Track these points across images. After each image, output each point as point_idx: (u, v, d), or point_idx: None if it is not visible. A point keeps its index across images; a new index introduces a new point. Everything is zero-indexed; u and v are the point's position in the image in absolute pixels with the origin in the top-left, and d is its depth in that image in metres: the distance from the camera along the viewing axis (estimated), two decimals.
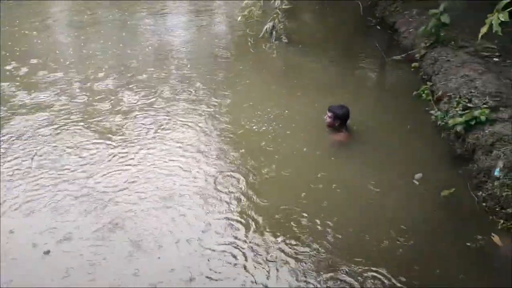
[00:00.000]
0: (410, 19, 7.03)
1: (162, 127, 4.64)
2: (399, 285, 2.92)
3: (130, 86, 5.49)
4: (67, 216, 3.42)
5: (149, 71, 5.91)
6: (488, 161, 3.76)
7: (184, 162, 4.08)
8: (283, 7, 6.75)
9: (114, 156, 4.14)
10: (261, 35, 6.87)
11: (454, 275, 3.01)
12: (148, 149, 4.27)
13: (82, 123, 4.66)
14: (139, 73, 5.84)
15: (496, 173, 3.60)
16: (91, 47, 6.70)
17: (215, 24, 8.02)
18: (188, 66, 6.12)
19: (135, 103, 5.09)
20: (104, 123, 4.68)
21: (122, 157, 4.14)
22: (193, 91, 5.38)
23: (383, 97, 5.63)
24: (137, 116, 4.84)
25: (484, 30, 3.17)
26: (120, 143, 4.35)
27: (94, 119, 4.73)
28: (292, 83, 5.63)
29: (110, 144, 4.32)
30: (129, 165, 4.03)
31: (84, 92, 5.32)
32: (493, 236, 3.25)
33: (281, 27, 6.83)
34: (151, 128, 4.61)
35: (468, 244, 3.22)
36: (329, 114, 4.48)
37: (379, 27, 7.52)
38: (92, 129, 4.56)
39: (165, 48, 6.78)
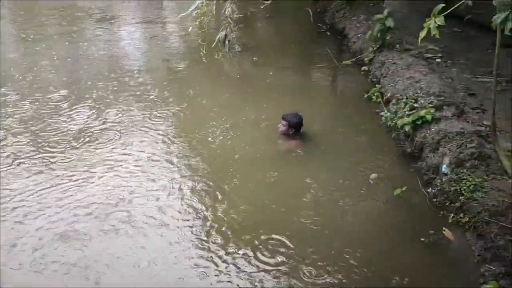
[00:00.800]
0: (357, 25, 7.27)
1: (116, 140, 4.52)
2: (354, 284, 2.96)
3: (81, 100, 5.30)
4: None
5: (100, 84, 5.73)
6: (436, 158, 3.93)
7: (139, 173, 4.02)
8: (235, 16, 6.78)
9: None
10: (214, 45, 6.85)
11: (410, 270, 3.09)
12: (104, 161, 4.17)
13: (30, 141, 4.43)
14: (90, 86, 5.66)
15: (444, 169, 3.77)
16: (39, 61, 6.42)
17: (167, 34, 7.92)
18: (140, 77, 6.00)
19: (86, 118, 4.93)
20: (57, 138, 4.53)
21: (69, 176, 3.99)
22: (147, 103, 5.28)
23: (336, 101, 5.77)
24: (91, 128, 4.69)
25: (423, 34, 3.31)
26: (71, 158, 4.22)
27: (46, 135, 4.56)
28: (246, 91, 5.66)
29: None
30: (79, 183, 3.88)
31: (33, 108, 5.08)
32: (445, 230, 3.38)
33: (234, 36, 6.85)
34: (106, 141, 4.49)
35: (422, 239, 3.33)
36: (283, 122, 4.53)
37: (329, 33, 7.72)
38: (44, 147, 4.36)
39: (116, 60, 6.62)
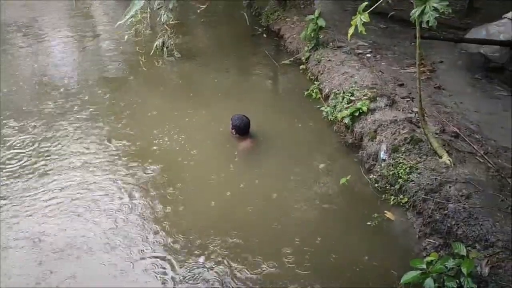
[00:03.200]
0: (292, 25, 7.53)
1: (57, 157, 4.32)
2: (303, 271, 3.10)
3: (14, 119, 5.00)
4: None
5: (33, 102, 5.44)
6: (374, 146, 4.20)
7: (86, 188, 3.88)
8: (171, 22, 6.73)
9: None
10: (152, 52, 6.75)
11: (358, 252, 3.30)
12: (50, 181, 3.95)
13: None
14: (22, 104, 5.35)
15: (382, 155, 4.04)
16: None
17: (101, 45, 7.66)
18: (78, 91, 5.76)
19: (22, 136, 4.67)
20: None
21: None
22: (87, 117, 5.10)
23: (278, 100, 5.93)
24: (30, 145, 4.44)
25: (351, 31, 3.53)
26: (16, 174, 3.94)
27: None
28: (190, 97, 5.65)
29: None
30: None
31: None
32: (386, 213, 3.63)
33: (172, 42, 6.79)
34: (49, 159, 4.30)
35: (368, 223, 3.55)
36: (231, 123, 4.61)
37: (265, 35, 7.91)
38: None
39: (49, 75, 6.30)
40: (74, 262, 3.19)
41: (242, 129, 4.61)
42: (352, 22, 3.51)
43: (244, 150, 4.56)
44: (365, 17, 3.36)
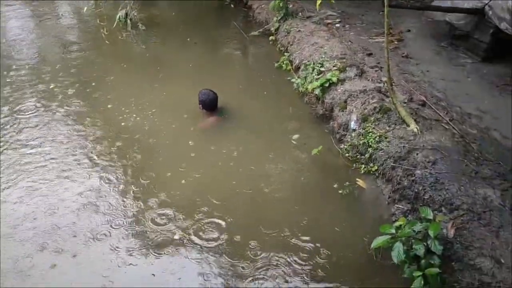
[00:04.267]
0: None
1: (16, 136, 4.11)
2: (277, 238, 3.16)
3: None
4: None
5: None
6: (345, 117, 4.23)
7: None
8: None
9: None
10: (115, 25, 6.45)
11: (331, 219, 3.37)
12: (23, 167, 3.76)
13: None
14: None
15: (352, 125, 4.08)
16: None
17: (60, 17, 7.24)
18: (36, 66, 5.46)
19: None
20: None
21: None
22: (48, 93, 4.85)
23: (248, 72, 5.84)
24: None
25: (319, 0, 3.48)
26: None
27: None
28: (158, 71, 5.47)
29: None
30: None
31: None
32: (358, 181, 3.70)
33: (135, 14, 6.51)
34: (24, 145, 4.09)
35: (340, 191, 3.62)
36: (199, 100, 4.51)
37: (233, 6, 7.70)
38: None
39: (6, 51, 5.92)
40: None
41: (209, 105, 4.52)
42: None
43: (206, 126, 4.48)
44: None
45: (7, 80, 5.17)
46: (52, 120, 4.49)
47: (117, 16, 6.42)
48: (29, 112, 4.58)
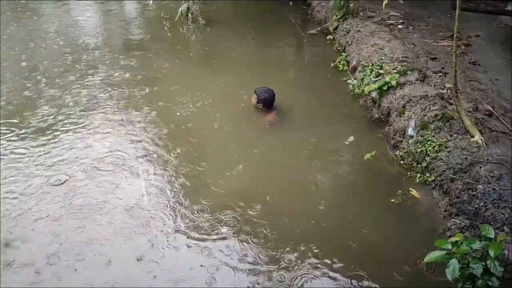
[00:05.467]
0: None
1: (86, 124, 4.37)
2: (326, 245, 3.09)
3: (42, 80, 5.06)
4: None
5: (59, 65, 5.46)
6: (402, 122, 4.06)
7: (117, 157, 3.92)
8: None
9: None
10: (176, 18, 6.64)
11: (381, 229, 3.25)
12: (74, 148, 4.01)
13: None
14: (49, 67, 5.39)
15: (410, 132, 3.91)
16: None
17: (125, 9, 7.58)
18: (101, 56, 5.76)
19: (53, 95, 4.74)
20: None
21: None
22: (113, 84, 5.10)
23: (304, 71, 5.78)
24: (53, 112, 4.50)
25: (386, 0, 3.36)
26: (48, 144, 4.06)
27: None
28: (215, 64, 5.59)
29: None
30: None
31: None
32: (412, 190, 3.55)
33: (197, 8, 6.66)
34: (77, 127, 4.33)
35: (392, 200, 3.48)
36: (255, 96, 4.53)
37: (292, 3, 7.65)
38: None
39: (74, 37, 6.30)
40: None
41: (269, 102, 4.52)
42: None
43: (269, 123, 4.49)
44: None
45: (68, 64, 5.48)
46: (110, 105, 4.70)
47: (179, 10, 6.60)
48: (88, 99, 4.82)
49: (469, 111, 3.84)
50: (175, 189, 3.57)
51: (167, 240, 3.10)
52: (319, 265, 2.95)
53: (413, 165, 3.74)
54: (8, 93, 4.86)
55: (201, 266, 2.92)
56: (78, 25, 6.77)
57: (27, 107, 4.64)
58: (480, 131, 3.52)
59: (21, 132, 4.25)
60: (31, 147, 4.04)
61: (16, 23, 6.79)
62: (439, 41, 5.50)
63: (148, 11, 7.24)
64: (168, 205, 3.41)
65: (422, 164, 3.64)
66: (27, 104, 4.69)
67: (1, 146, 4.02)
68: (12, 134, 4.21)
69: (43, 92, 4.92)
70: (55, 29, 6.55)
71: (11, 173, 3.70)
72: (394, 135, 4.11)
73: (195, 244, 3.08)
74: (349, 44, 5.62)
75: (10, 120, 4.41)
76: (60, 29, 6.58)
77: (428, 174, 3.56)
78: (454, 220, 3.17)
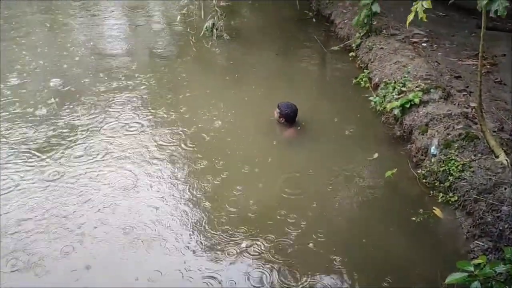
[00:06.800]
0: (344, 11, 7.31)
1: (111, 136, 4.50)
2: (347, 263, 3.06)
3: (68, 94, 5.23)
4: None
5: (88, 76, 5.66)
6: (425, 140, 4.03)
7: (142, 172, 3.98)
8: (222, 4, 6.75)
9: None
10: (202, 33, 6.81)
11: (402, 248, 3.21)
12: (107, 166, 4.09)
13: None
14: (77, 80, 5.59)
15: (433, 150, 3.87)
16: (17, 51, 6.31)
17: (153, 24, 7.82)
18: (130, 67, 5.94)
19: (75, 115, 4.89)
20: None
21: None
22: (138, 95, 5.25)
23: (325, 87, 5.82)
24: (90, 121, 4.67)
25: (410, 17, 3.39)
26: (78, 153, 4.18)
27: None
28: (238, 79, 5.67)
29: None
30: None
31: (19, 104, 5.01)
32: (435, 210, 3.49)
33: (222, 24, 6.82)
34: (99, 140, 4.44)
35: (413, 218, 3.44)
36: (277, 110, 4.58)
37: (315, 20, 7.74)
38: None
39: (101, 51, 6.53)
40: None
41: (292, 117, 4.56)
42: (412, 8, 3.36)
43: (290, 135, 4.53)
44: (427, 4, 3.20)
45: (100, 76, 5.68)
46: (138, 112, 4.84)
47: (205, 26, 6.77)
48: (115, 107, 4.97)
49: (494, 131, 3.79)
50: (195, 202, 3.62)
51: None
52: (338, 282, 2.93)
53: (436, 184, 3.69)
54: (38, 98, 5.05)
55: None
56: (105, 38, 7.02)
57: (58, 113, 4.81)
58: (505, 151, 3.46)
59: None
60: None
61: (45, 35, 7.09)
62: (464, 59, 5.46)
63: (174, 26, 7.45)
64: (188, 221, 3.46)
65: (445, 183, 3.59)
66: (58, 109, 4.87)
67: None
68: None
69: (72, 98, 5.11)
70: (83, 40, 6.80)
71: None
72: (416, 153, 4.08)
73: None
74: (372, 61, 5.63)
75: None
76: (88, 40, 6.83)
77: (451, 194, 3.51)
78: (477, 241, 3.11)
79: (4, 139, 4.36)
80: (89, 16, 7.88)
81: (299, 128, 4.60)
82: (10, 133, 4.47)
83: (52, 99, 5.09)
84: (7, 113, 4.81)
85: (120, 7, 8.38)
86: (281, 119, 4.57)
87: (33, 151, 4.19)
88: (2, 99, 5.06)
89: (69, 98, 5.14)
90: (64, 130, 4.53)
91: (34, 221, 3.39)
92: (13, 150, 4.20)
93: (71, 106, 4.97)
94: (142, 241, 3.22)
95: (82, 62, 6.12)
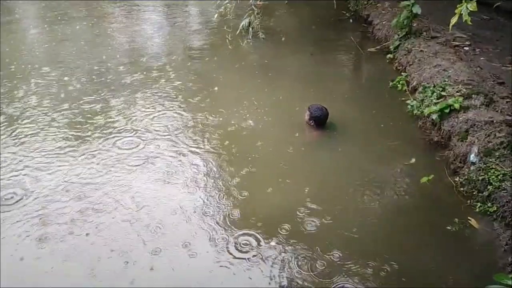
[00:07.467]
0: (383, 11, 7.18)
1: (145, 131, 4.62)
2: (381, 272, 3.00)
3: (104, 89, 5.41)
4: None
5: (124, 72, 5.84)
6: (464, 147, 3.90)
7: (172, 168, 4.05)
8: (259, 3, 6.78)
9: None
10: (237, 32, 6.87)
11: (436, 257, 3.12)
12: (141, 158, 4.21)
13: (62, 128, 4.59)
14: (114, 76, 5.77)
15: (472, 158, 3.74)
16: (60, 48, 6.58)
17: (190, 21, 7.97)
18: (165, 65, 6.08)
19: (114, 105, 5.04)
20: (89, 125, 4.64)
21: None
22: (173, 91, 5.36)
23: (360, 89, 5.73)
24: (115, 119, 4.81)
25: (454, 20, 3.29)
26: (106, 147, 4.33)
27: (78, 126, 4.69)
28: (272, 78, 5.68)
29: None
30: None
31: (60, 96, 5.23)
32: (470, 220, 3.38)
33: (258, 23, 6.85)
34: (138, 138, 4.51)
35: (448, 227, 3.34)
36: (308, 113, 4.56)
37: (352, 20, 7.64)
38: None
39: (140, 47, 6.71)
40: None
41: (322, 121, 4.51)
42: (456, 11, 3.27)
43: (313, 138, 4.49)
44: (472, 6, 3.10)
45: (134, 70, 5.84)
46: (169, 110, 4.94)
47: (241, 25, 6.83)
48: (148, 106, 5.09)
49: None
50: (225, 202, 3.65)
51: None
52: None
53: (474, 193, 3.56)
54: (80, 95, 5.26)
55: None
56: (143, 35, 7.20)
57: (104, 104, 4.99)
58: None
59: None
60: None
61: (84, 33, 7.35)
62: (508, 65, 5.23)
63: (211, 24, 7.55)
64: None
65: (484, 193, 3.46)
66: (103, 100, 5.05)
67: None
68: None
69: (110, 94, 5.28)
70: (124, 38, 7.01)
71: None
72: (454, 160, 3.95)
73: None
74: (410, 64, 5.49)
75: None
76: (127, 37, 7.04)
77: (489, 204, 3.38)
78: None
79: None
80: (129, 15, 8.10)
81: (327, 131, 4.53)
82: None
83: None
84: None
85: (158, 5, 8.58)
86: (311, 121, 4.53)
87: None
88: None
89: (105, 88, 5.30)
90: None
91: None
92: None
93: (108, 97, 5.14)
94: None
95: (119, 55, 6.31)
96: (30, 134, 4.47)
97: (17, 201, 3.57)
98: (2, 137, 4.42)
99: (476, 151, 3.73)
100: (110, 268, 3.00)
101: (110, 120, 4.75)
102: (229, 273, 2.97)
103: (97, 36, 7.09)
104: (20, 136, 4.44)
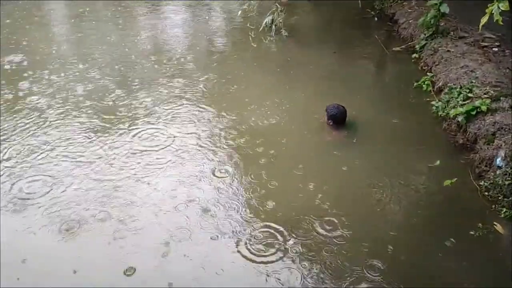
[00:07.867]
0: (409, 10, 7.04)
1: (168, 125, 4.68)
2: (400, 274, 2.96)
3: (128, 84, 5.49)
4: None
5: (147, 67, 5.92)
6: (490, 151, 3.80)
7: (189, 159, 4.11)
8: (284, 1, 6.76)
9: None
10: (260, 29, 6.87)
11: (457, 263, 3.06)
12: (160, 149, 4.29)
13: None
14: (137, 69, 5.86)
15: (498, 162, 3.64)
16: (86, 42, 6.72)
17: (213, 18, 8.01)
18: (188, 60, 6.14)
19: (136, 103, 5.12)
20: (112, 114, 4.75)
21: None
22: (195, 86, 5.41)
23: (384, 88, 5.64)
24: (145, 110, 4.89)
25: (484, 20, 3.20)
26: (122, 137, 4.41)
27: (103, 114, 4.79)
28: (294, 76, 5.66)
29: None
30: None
31: (86, 87, 5.36)
32: (496, 225, 3.30)
33: (281, 20, 6.83)
34: (158, 130, 4.60)
35: (472, 232, 3.26)
36: (326, 113, 4.52)
37: (377, 19, 7.52)
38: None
39: (163, 43, 6.79)
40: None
41: (339, 119, 4.46)
42: (487, 10, 3.18)
43: (332, 139, 4.45)
44: (504, 6, 3.00)
45: (158, 67, 5.91)
46: (189, 104, 5.00)
47: (264, 22, 6.82)
48: (168, 102, 5.14)
49: None
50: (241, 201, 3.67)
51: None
52: None
53: (499, 198, 3.47)
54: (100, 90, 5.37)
55: None
56: (168, 32, 7.27)
57: (120, 101, 5.09)
58: None
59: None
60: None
61: (110, 29, 7.49)
62: None
63: (235, 21, 7.57)
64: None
65: (510, 198, 3.37)
66: (121, 98, 5.14)
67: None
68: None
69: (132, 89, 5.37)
70: (149, 33, 7.11)
71: None
72: (480, 163, 3.86)
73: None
74: (436, 64, 5.38)
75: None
76: (151, 33, 7.13)
77: None
78: None
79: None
80: (154, 11, 8.19)
81: (346, 133, 4.47)
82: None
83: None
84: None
85: (182, 4, 8.63)
86: (329, 121, 4.49)
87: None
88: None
89: (127, 86, 5.40)
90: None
91: None
92: None
93: (133, 95, 5.23)
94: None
95: (143, 50, 6.41)
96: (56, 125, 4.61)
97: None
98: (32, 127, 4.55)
99: (503, 155, 3.63)
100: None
101: (133, 113, 4.84)
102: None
103: (123, 32, 7.21)
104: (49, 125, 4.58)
